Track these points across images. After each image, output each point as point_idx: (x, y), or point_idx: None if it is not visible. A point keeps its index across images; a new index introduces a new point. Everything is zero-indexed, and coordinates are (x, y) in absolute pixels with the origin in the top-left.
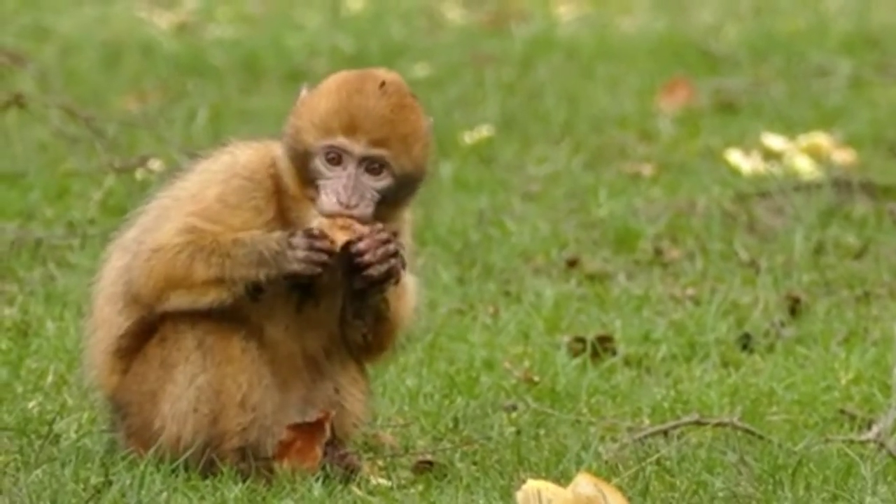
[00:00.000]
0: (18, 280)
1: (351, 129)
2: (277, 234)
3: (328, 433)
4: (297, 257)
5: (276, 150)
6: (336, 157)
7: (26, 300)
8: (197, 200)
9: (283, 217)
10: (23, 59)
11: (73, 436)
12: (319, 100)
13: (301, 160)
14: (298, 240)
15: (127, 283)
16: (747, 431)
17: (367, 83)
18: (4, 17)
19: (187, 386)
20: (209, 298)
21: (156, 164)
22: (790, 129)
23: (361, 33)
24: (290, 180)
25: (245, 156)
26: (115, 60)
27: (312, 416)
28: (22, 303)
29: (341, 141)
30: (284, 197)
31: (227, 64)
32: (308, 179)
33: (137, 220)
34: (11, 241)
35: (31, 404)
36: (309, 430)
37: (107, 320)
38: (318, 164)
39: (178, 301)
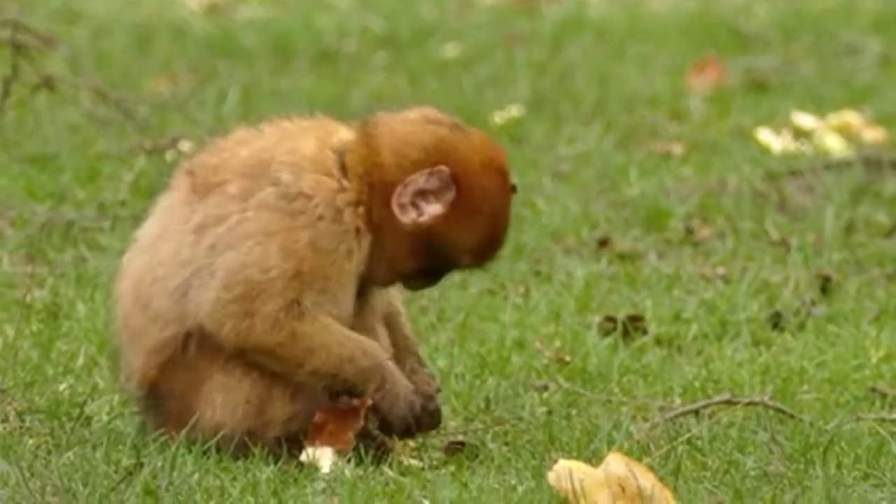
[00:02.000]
0: (49, 262)
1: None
2: (409, 386)
3: (362, 422)
4: (412, 413)
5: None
6: None
7: (57, 282)
8: (287, 253)
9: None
10: (54, 41)
11: (105, 418)
12: (481, 223)
13: (431, 258)
14: (419, 409)
15: (210, 315)
16: (778, 410)
17: (509, 196)
18: None
19: (242, 378)
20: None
21: (186, 146)
22: (820, 107)
23: (392, 13)
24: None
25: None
26: (145, 42)
27: (347, 402)
28: (53, 285)
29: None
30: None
31: (258, 45)
32: (417, 263)
33: (205, 237)
34: (43, 223)
35: (62, 387)
36: (343, 415)
37: (158, 320)
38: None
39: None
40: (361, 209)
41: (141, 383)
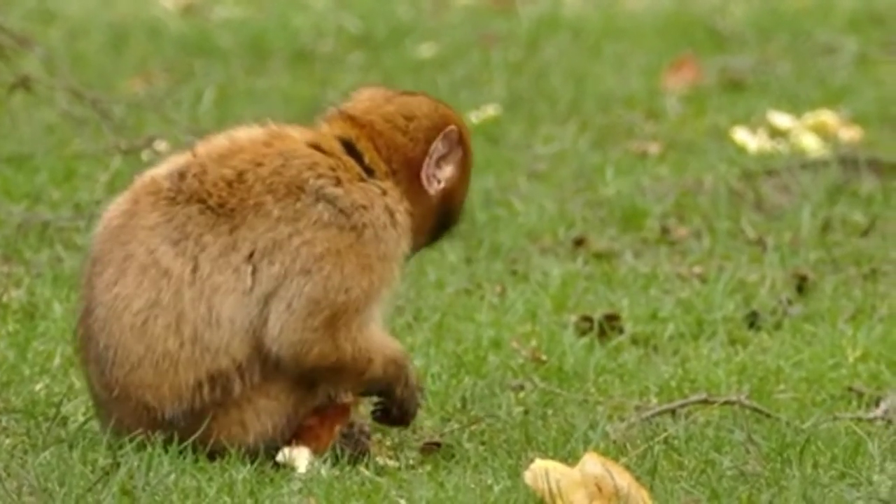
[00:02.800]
0: (25, 262)
1: None
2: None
3: (350, 419)
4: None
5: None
6: None
7: (33, 282)
8: (363, 268)
9: None
10: (29, 41)
11: (81, 418)
12: (469, 174)
13: (442, 222)
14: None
15: (296, 345)
16: (755, 410)
17: None
18: None
19: (284, 401)
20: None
21: (162, 146)
22: (797, 107)
23: (367, 13)
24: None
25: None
26: (121, 42)
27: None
28: (29, 285)
29: None
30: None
31: (234, 45)
32: (433, 232)
33: (268, 266)
34: (19, 223)
35: (38, 387)
36: (331, 415)
37: (210, 351)
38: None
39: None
40: (406, 204)
41: (171, 408)
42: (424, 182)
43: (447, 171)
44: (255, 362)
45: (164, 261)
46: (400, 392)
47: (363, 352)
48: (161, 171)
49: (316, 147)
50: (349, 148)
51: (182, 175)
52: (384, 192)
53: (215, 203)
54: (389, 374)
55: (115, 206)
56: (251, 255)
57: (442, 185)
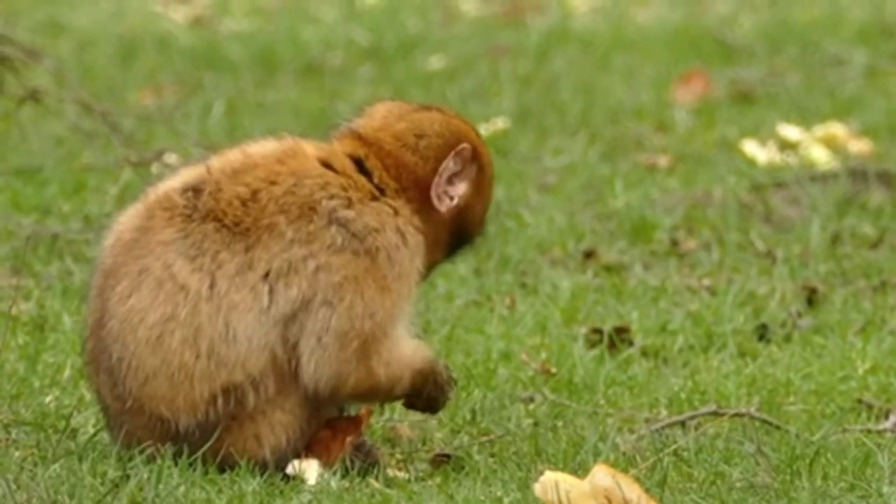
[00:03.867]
0: (35, 275)
1: None
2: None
3: (363, 430)
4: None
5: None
6: None
7: (43, 295)
8: (383, 291)
9: None
10: (38, 54)
11: (91, 430)
12: (488, 189)
13: (458, 238)
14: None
15: (333, 378)
16: (765, 422)
17: None
18: (20, 11)
19: (298, 415)
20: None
21: (172, 158)
22: (806, 119)
23: (377, 26)
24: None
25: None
26: (130, 55)
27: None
28: (39, 297)
29: None
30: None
31: (243, 57)
32: (448, 247)
33: (284, 286)
34: (28, 235)
35: (48, 399)
36: (343, 426)
37: (227, 359)
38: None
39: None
40: (416, 221)
41: (185, 420)
42: (435, 201)
43: (460, 188)
44: (270, 376)
45: (180, 276)
46: (427, 393)
47: (395, 373)
48: (175, 184)
49: (328, 165)
50: (360, 166)
51: (197, 192)
52: (395, 212)
53: (231, 222)
54: (417, 384)
55: (128, 220)
56: (267, 274)
57: (455, 202)
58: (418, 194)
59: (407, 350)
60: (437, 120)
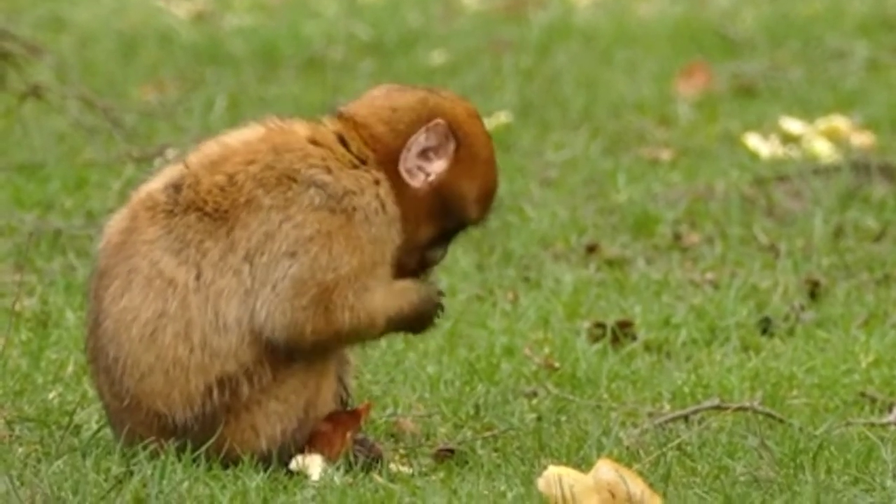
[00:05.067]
0: (38, 271)
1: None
2: (432, 294)
3: (362, 424)
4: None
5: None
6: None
7: (46, 291)
8: (353, 248)
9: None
10: (40, 49)
11: (94, 426)
12: (481, 169)
13: (445, 218)
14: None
15: (288, 327)
16: (768, 415)
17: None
18: (21, 7)
19: (294, 403)
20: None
21: (174, 154)
22: (808, 112)
23: (378, 21)
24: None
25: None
26: (132, 50)
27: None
28: (42, 293)
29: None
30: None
31: (245, 52)
32: (435, 227)
33: (260, 258)
34: (31, 231)
35: (51, 395)
36: (344, 420)
37: (219, 356)
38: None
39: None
40: (394, 194)
41: (182, 414)
42: (404, 174)
43: (437, 164)
44: (264, 364)
45: (167, 271)
46: (409, 326)
47: (363, 318)
48: (156, 185)
49: (314, 141)
50: (341, 140)
51: (177, 188)
52: (377, 182)
53: (211, 209)
54: (394, 325)
55: (115, 223)
56: (247, 253)
57: (431, 178)
58: (392, 169)
59: (379, 300)
60: (417, 96)
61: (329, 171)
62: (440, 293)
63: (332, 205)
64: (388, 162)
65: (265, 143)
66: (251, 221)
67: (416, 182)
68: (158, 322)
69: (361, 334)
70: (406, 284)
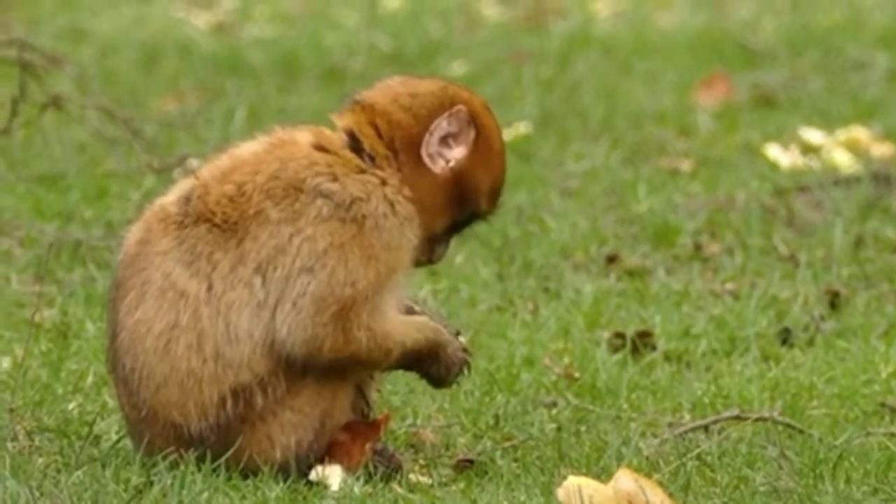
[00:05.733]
0: (58, 281)
1: None
2: (456, 342)
3: (382, 435)
4: (464, 365)
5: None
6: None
7: (66, 301)
8: (367, 259)
9: None
10: (60, 60)
11: (114, 436)
12: (495, 160)
13: (459, 208)
14: (465, 357)
15: (308, 342)
16: (788, 426)
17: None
18: (41, 18)
19: (309, 414)
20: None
21: (194, 165)
22: (828, 123)
23: (399, 31)
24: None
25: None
26: (152, 61)
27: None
28: (62, 304)
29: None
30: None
31: (265, 63)
32: (448, 217)
33: (273, 272)
34: (51, 242)
35: (71, 406)
36: (362, 430)
37: (232, 367)
38: (461, 219)
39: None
40: (406, 191)
41: (197, 425)
42: (427, 160)
43: (457, 151)
44: (278, 375)
45: (179, 283)
46: (427, 371)
47: (379, 341)
48: (169, 198)
49: (319, 147)
50: (352, 138)
51: (188, 199)
52: (383, 182)
53: (220, 220)
54: (412, 360)
55: (132, 235)
56: (258, 266)
57: (451, 164)
58: (412, 156)
59: (396, 325)
60: (435, 83)
61: (335, 178)
62: (466, 350)
63: (341, 214)
64: (408, 148)
65: (270, 154)
66: (261, 234)
67: (437, 168)
68: (171, 334)
69: (376, 357)
70: (426, 321)
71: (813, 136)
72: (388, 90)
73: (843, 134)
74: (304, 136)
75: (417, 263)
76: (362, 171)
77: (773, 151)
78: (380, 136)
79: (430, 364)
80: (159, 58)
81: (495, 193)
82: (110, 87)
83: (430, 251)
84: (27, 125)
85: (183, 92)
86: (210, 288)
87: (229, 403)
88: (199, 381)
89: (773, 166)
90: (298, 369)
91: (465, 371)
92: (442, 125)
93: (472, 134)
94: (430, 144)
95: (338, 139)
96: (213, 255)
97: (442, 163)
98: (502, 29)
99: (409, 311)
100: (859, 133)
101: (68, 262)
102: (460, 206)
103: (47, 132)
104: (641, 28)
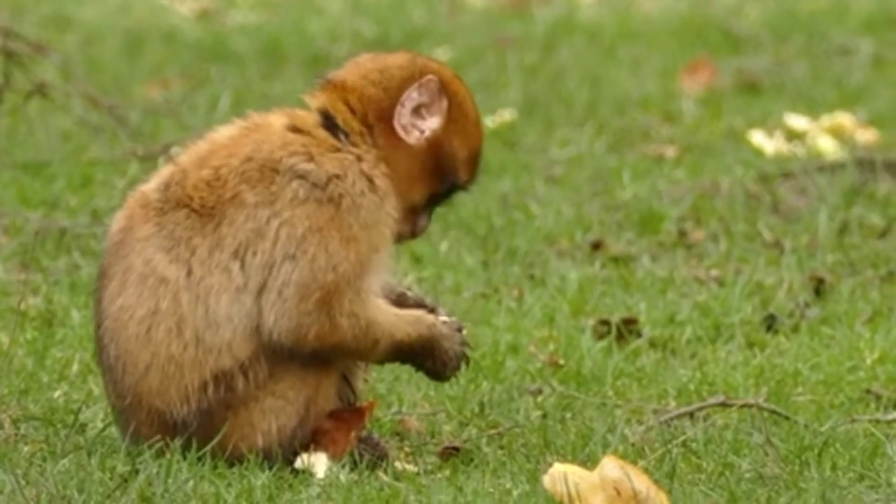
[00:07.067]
0: (43, 269)
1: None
2: (454, 335)
3: (367, 422)
4: (462, 356)
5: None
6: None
7: (51, 289)
8: (347, 241)
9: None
10: (45, 48)
11: (99, 425)
12: (471, 129)
13: (437, 179)
14: (464, 347)
15: (294, 330)
16: (773, 412)
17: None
18: (25, 6)
19: (293, 400)
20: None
21: (179, 152)
22: (813, 109)
23: (383, 17)
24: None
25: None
26: (136, 48)
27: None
28: (47, 292)
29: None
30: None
31: (249, 50)
32: (427, 188)
33: (252, 257)
34: (36, 230)
35: (56, 394)
36: (347, 418)
37: (213, 352)
38: (441, 190)
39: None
40: (383, 166)
41: (179, 410)
42: (400, 131)
43: (431, 121)
44: (260, 359)
45: (159, 269)
46: (423, 365)
47: (364, 328)
48: (150, 185)
49: (291, 128)
50: (326, 116)
51: (167, 185)
52: (359, 158)
53: (198, 205)
54: (404, 354)
55: (115, 223)
56: (236, 250)
57: (426, 134)
58: (386, 130)
59: (385, 315)
60: (405, 56)
61: (311, 157)
62: (465, 343)
63: (317, 195)
64: (381, 122)
65: (245, 137)
66: (237, 217)
67: (412, 139)
68: (153, 320)
69: (364, 346)
70: (421, 315)
71: (797, 122)
72: (358, 67)
73: (827, 120)
74: (277, 119)
75: (400, 237)
76: (337, 150)
77: (758, 137)
78: (353, 112)
79: (424, 359)
80: (143, 45)
81: (473, 162)
82: (95, 75)
83: (412, 224)
84: (12, 113)
85: (167, 79)
86: (189, 273)
87: (210, 389)
88: (181, 366)
89: (758, 152)
90: (280, 354)
91: (464, 365)
92: (412, 96)
93: (444, 103)
94: (402, 116)
95: (311, 119)
96: (191, 240)
97: (416, 134)
98: (486, 15)
99: (402, 299)
100: (844, 119)
101: (53, 249)
102: (439, 177)
103: (32, 120)
104: (625, 14)
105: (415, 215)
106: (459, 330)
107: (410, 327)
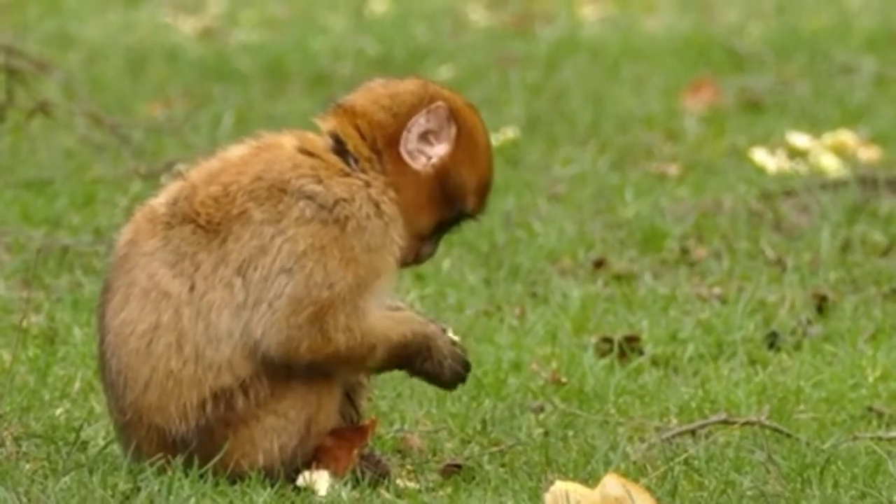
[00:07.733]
0: (45, 287)
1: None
2: (448, 339)
3: (369, 440)
4: (460, 363)
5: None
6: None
7: (53, 307)
8: (347, 262)
9: None
10: (48, 66)
11: (101, 442)
12: (480, 158)
13: (445, 207)
14: (463, 355)
15: (284, 343)
16: (775, 430)
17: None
18: (29, 24)
19: (294, 419)
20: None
21: (185, 168)
22: (815, 127)
23: (386, 36)
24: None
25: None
26: (139, 66)
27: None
28: (49, 310)
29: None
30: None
31: (252, 68)
32: (434, 216)
33: (253, 272)
34: (38, 248)
35: (58, 411)
36: (349, 435)
37: (212, 369)
38: (449, 220)
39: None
40: (391, 192)
41: (178, 428)
42: (406, 157)
43: (439, 148)
44: (261, 378)
45: (163, 283)
46: (422, 368)
47: (360, 340)
48: (160, 199)
49: (302, 151)
50: (336, 141)
51: (176, 200)
52: (367, 184)
53: (205, 221)
54: (400, 357)
55: (122, 236)
56: (239, 267)
57: (433, 161)
58: (394, 156)
59: (379, 320)
60: (416, 83)
61: (319, 180)
62: (456, 343)
63: (323, 216)
64: (390, 147)
65: (256, 156)
66: (243, 234)
67: (418, 165)
68: (154, 334)
69: (359, 355)
70: (410, 314)
71: (800, 140)
72: (370, 92)
73: (829, 138)
74: (288, 140)
75: (404, 264)
76: (346, 175)
77: (760, 155)
78: (363, 137)
79: (423, 360)
80: (146, 63)
81: (482, 191)
82: (97, 93)
83: (416, 252)
84: (14, 131)
85: (170, 97)
86: (192, 288)
87: (210, 407)
88: (180, 382)
89: (760, 170)
90: (281, 372)
91: (465, 369)
92: (420, 121)
93: (452, 130)
94: (408, 141)
95: (322, 143)
96: (196, 255)
97: (423, 160)
98: (489, 33)
99: (395, 310)
100: (846, 137)
101: (56, 267)
102: (447, 205)
103: (35, 138)
104: (628, 33)
105: (422, 242)
106: (444, 331)
107: (404, 326)
